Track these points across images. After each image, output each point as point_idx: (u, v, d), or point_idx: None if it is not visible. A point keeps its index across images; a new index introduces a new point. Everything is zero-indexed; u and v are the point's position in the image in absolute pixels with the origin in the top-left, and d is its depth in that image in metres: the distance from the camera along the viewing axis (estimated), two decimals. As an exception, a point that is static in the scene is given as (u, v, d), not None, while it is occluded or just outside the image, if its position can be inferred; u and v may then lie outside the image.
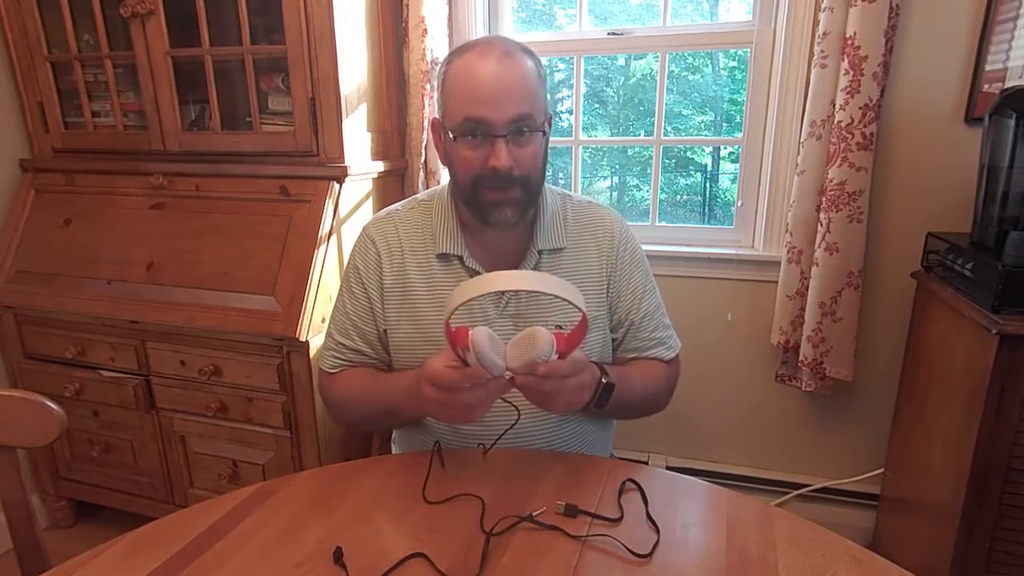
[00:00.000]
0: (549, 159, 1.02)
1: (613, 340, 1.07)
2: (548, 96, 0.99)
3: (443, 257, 1.01)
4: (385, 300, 1.02)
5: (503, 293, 0.98)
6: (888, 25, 1.41)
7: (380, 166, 1.74)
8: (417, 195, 1.11)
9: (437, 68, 1.61)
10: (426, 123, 1.77)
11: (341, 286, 1.08)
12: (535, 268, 1.01)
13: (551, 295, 0.75)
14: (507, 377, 0.78)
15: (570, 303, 0.74)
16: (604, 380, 0.90)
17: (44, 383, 1.74)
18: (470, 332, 0.74)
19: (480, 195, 0.93)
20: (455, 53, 0.94)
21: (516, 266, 1.01)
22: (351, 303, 1.05)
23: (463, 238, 1.01)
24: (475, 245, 1.01)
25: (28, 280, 1.71)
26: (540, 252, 1.01)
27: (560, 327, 0.99)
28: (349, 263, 1.07)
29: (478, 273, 0.99)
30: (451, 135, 0.93)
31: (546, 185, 1.07)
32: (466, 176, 0.94)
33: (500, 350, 0.76)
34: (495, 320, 0.98)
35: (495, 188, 0.92)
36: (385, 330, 1.03)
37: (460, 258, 1.00)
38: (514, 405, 0.91)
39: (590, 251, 1.05)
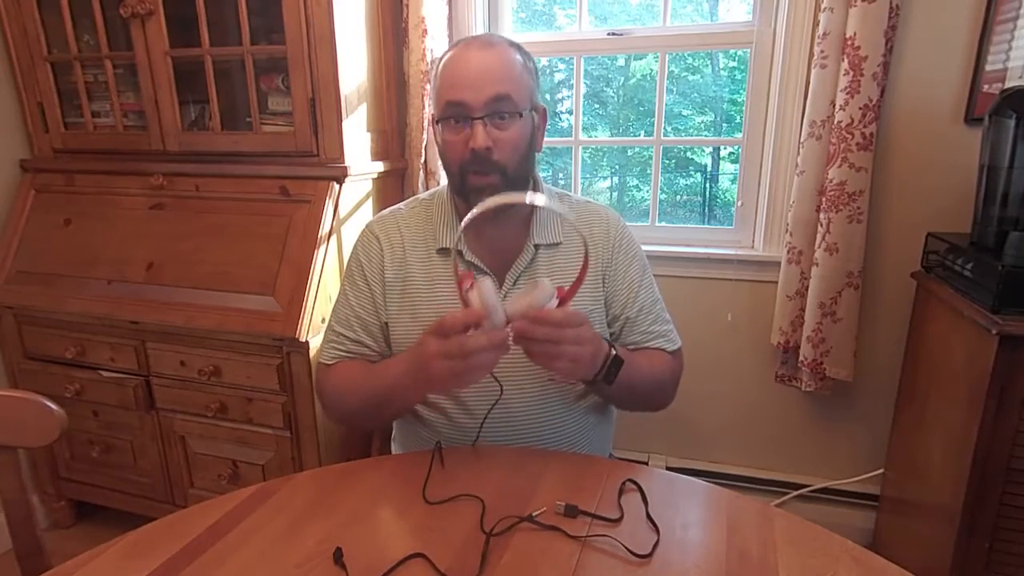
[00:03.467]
0: (548, 158, 1.03)
1: (611, 335, 1.08)
2: (538, 89, 1.01)
3: (444, 252, 1.03)
4: (387, 294, 1.04)
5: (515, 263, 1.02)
6: (888, 25, 1.41)
7: (380, 166, 1.74)
8: (419, 195, 1.13)
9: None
10: (426, 123, 1.77)
11: (344, 281, 1.09)
12: (531, 262, 1.02)
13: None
14: (507, 331, 0.81)
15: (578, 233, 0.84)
16: (612, 352, 0.91)
17: (44, 383, 1.74)
18: (476, 276, 0.84)
19: (466, 181, 0.96)
20: (445, 51, 0.98)
21: (512, 261, 1.02)
22: (354, 295, 1.06)
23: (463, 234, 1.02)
24: (474, 240, 1.03)
25: (28, 280, 1.71)
26: (537, 247, 1.02)
27: None
28: (352, 257, 1.08)
29: (476, 267, 1.01)
30: (437, 122, 0.97)
31: (545, 184, 1.08)
32: (454, 162, 0.97)
33: (501, 303, 0.82)
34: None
35: (477, 172, 0.94)
36: (386, 322, 1.05)
37: (460, 253, 1.01)
38: (498, 380, 0.93)
39: None
